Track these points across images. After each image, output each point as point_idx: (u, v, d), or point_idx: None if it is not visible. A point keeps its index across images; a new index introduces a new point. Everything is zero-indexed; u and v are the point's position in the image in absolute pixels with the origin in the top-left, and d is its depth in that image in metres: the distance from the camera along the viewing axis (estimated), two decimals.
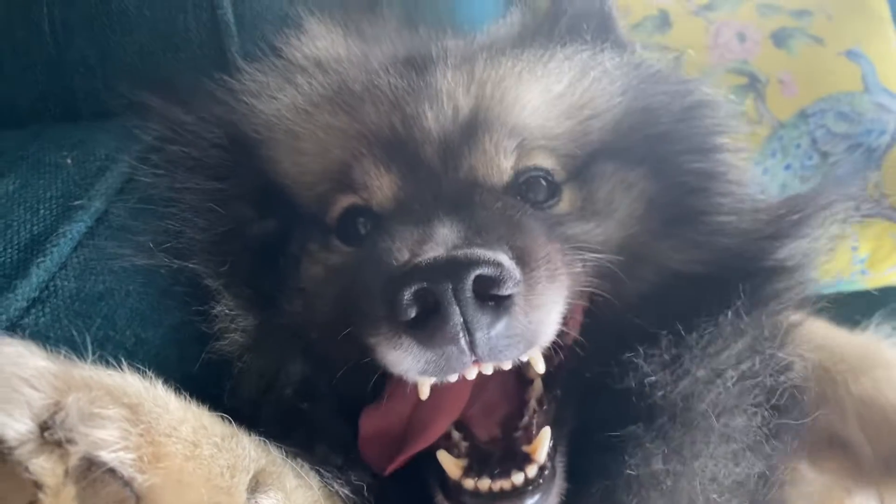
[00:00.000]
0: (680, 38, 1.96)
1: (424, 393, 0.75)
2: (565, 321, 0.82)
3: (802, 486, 0.83)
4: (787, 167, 1.85)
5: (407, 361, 0.70)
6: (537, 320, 0.71)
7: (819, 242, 0.86)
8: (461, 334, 0.66)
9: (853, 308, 0.99)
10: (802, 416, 0.79)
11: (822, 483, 0.81)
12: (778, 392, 0.78)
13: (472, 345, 0.67)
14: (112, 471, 0.53)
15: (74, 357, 0.60)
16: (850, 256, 1.82)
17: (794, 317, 0.85)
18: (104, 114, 0.99)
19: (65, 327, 0.76)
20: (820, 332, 0.91)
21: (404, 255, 0.70)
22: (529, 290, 0.70)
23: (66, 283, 0.79)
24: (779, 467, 0.80)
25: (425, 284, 0.66)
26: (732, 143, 0.94)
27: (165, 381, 0.65)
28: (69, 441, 0.52)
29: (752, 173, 1.08)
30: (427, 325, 0.67)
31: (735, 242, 0.85)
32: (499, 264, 0.67)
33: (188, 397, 0.65)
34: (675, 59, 1.06)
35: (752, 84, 1.94)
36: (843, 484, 0.77)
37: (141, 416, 0.56)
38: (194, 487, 0.57)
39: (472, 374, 0.72)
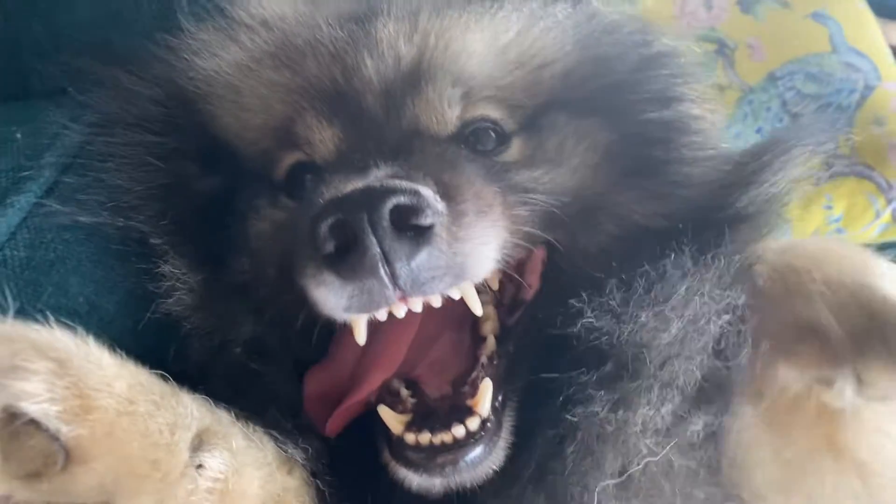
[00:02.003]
0: (647, 7, 1.96)
1: (360, 336, 0.74)
2: (521, 276, 0.82)
3: (778, 402, 0.79)
4: (759, 130, 1.85)
5: (331, 298, 0.69)
6: (463, 252, 0.70)
7: (779, 187, 0.85)
8: (380, 265, 0.66)
9: None
10: (740, 356, 0.76)
11: (796, 385, 0.79)
12: (721, 337, 0.76)
13: (393, 276, 0.66)
14: (37, 423, 0.53)
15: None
16: (825, 216, 1.82)
17: (749, 253, 0.82)
18: (57, 92, 0.98)
19: (15, 296, 0.75)
20: (783, 242, 0.89)
21: (330, 194, 0.69)
22: (454, 222, 0.69)
23: (15, 252, 0.79)
24: (723, 421, 0.77)
25: (341, 216, 0.65)
26: (695, 93, 0.92)
27: (119, 346, 0.65)
28: None
29: (722, 127, 1.07)
30: (347, 258, 0.66)
31: (698, 193, 0.84)
32: (416, 192, 0.66)
33: (137, 360, 0.64)
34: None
35: (721, 50, 1.94)
36: (820, 374, 0.75)
37: (69, 370, 0.55)
38: (128, 443, 0.56)
39: (400, 312, 0.72)
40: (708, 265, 0.76)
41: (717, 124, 0.95)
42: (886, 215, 1.83)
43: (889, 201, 1.81)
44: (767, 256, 0.79)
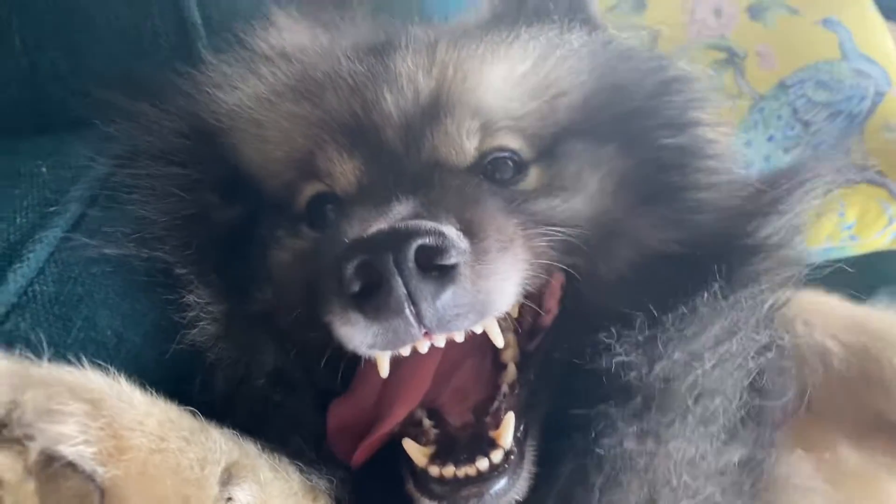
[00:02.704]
0: (656, 17, 1.97)
1: (383, 370, 0.75)
2: (539, 303, 0.83)
3: (836, 469, 0.83)
4: (770, 139, 1.86)
5: (356, 336, 0.70)
6: (487, 290, 0.71)
7: (802, 218, 0.85)
8: (405, 305, 0.67)
9: (848, 274, 1.00)
10: (784, 397, 0.79)
11: (854, 466, 0.81)
12: (759, 373, 0.78)
13: (418, 316, 0.67)
14: (73, 465, 0.54)
15: (58, 361, 0.62)
16: (838, 223, 1.83)
17: (783, 294, 0.84)
18: (78, 123, 1.00)
19: (44, 331, 0.77)
20: (849, 311, 0.91)
21: (355, 232, 0.71)
22: (478, 260, 0.70)
23: (44, 287, 0.80)
24: (763, 455, 0.79)
25: (367, 257, 0.66)
26: (710, 118, 0.93)
27: (146, 377, 0.66)
28: (27, 437, 0.53)
29: (735, 147, 1.07)
30: (372, 298, 0.67)
31: (714, 219, 0.85)
32: (440, 233, 0.67)
33: (164, 394, 0.65)
34: (651, 37, 1.06)
35: (731, 58, 1.95)
36: (888, 462, 0.78)
37: (102, 411, 0.56)
38: (161, 480, 0.58)
39: (423, 348, 0.73)
40: (740, 303, 0.77)
41: (731, 147, 0.96)
42: None
43: None
44: (839, 333, 0.80)
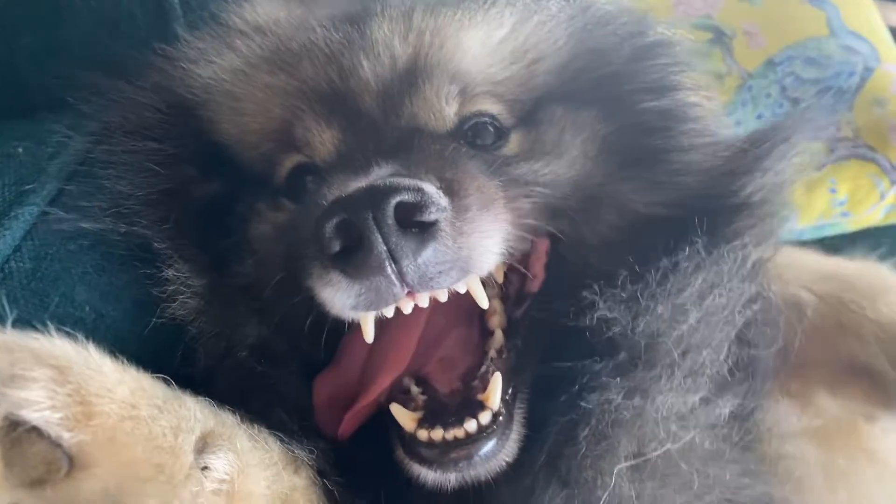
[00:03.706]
0: None
1: (368, 333, 0.75)
2: (525, 267, 0.83)
3: (812, 419, 0.84)
4: (759, 116, 1.85)
5: (339, 297, 0.70)
6: (468, 246, 0.70)
7: (784, 175, 0.85)
8: (386, 262, 0.66)
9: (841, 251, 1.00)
10: (773, 348, 0.79)
11: (834, 413, 0.82)
12: (746, 325, 0.78)
13: (400, 273, 0.67)
14: (39, 431, 0.54)
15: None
16: (830, 199, 1.82)
17: (766, 250, 0.84)
18: (57, 106, 0.99)
19: (22, 307, 0.76)
20: (820, 263, 0.91)
21: (333, 195, 0.70)
22: (458, 217, 0.70)
23: (21, 264, 0.79)
24: (753, 405, 0.80)
25: (346, 215, 0.66)
26: (692, 81, 0.93)
27: (127, 352, 0.65)
28: None
29: (721, 114, 1.07)
30: (353, 257, 0.67)
31: (697, 181, 0.85)
32: (419, 189, 0.67)
33: (145, 368, 0.64)
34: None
35: (718, 38, 1.94)
36: (865, 410, 0.78)
37: (69, 377, 0.55)
38: (132, 447, 0.57)
39: (407, 308, 0.72)
40: (723, 258, 0.77)
41: (713, 111, 0.95)
42: (891, 197, 1.82)
43: (893, 183, 1.80)
44: (812, 285, 0.80)
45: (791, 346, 0.80)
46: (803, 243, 1.01)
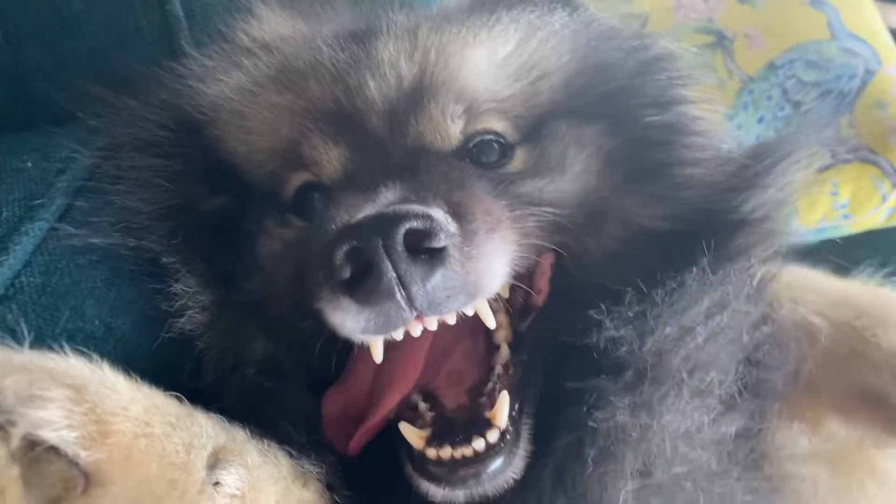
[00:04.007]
0: (644, 3, 1.97)
1: (377, 355, 0.76)
2: (530, 283, 0.83)
3: (822, 442, 0.84)
4: (761, 120, 1.86)
5: (349, 322, 0.71)
6: (476, 271, 0.71)
7: (787, 192, 0.86)
8: (396, 289, 0.67)
9: (844, 253, 1.00)
10: (782, 370, 0.79)
11: (844, 437, 0.82)
12: (755, 346, 0.78)
13: (409, 299, 0.68)
14: (56, 450, 0.55)
15: (46, 351, 0.62)
16: (831, 202, 1.83)
17: (771, 269, 0.84)
18: (64, 118, 1.00)
19: (32, 322, 0.77)
20: (834, 287, 0.91)
21: (343, 219, 0.71)
22: (466, 242, 0.70)
23: (31, 279, 0.80)
24: (760, 425, 0.80)
25: (356, 242, 0.67)
26: (695, 95, 0.93)
27: (136, 366, 0.66)
28: (9, 423, 0.53)
29: (725, 127, 1.07)
30: (363, 283, 0.68)
31: (700, 195, 0.85)
32: (428, 217, 0.68)
33: (153, 382, 0.65)
34: (640, 23, 1.06)
35: (719, 42, 1.95)
36: (876, 436, 0.79)
37: (85, 396, 0.57)
38: (146, 464, 0.58)
39: (416, 331, 0.73)
40: (729, 278, 0.78)
41: (717, 124, 0.96)
42: (892, 199, 1.83)
43: (894, 185, 1.81)
44: (825, 310, 0.81)
45: (802, 369, 0.80)
46: (807, 247, 1.01)
